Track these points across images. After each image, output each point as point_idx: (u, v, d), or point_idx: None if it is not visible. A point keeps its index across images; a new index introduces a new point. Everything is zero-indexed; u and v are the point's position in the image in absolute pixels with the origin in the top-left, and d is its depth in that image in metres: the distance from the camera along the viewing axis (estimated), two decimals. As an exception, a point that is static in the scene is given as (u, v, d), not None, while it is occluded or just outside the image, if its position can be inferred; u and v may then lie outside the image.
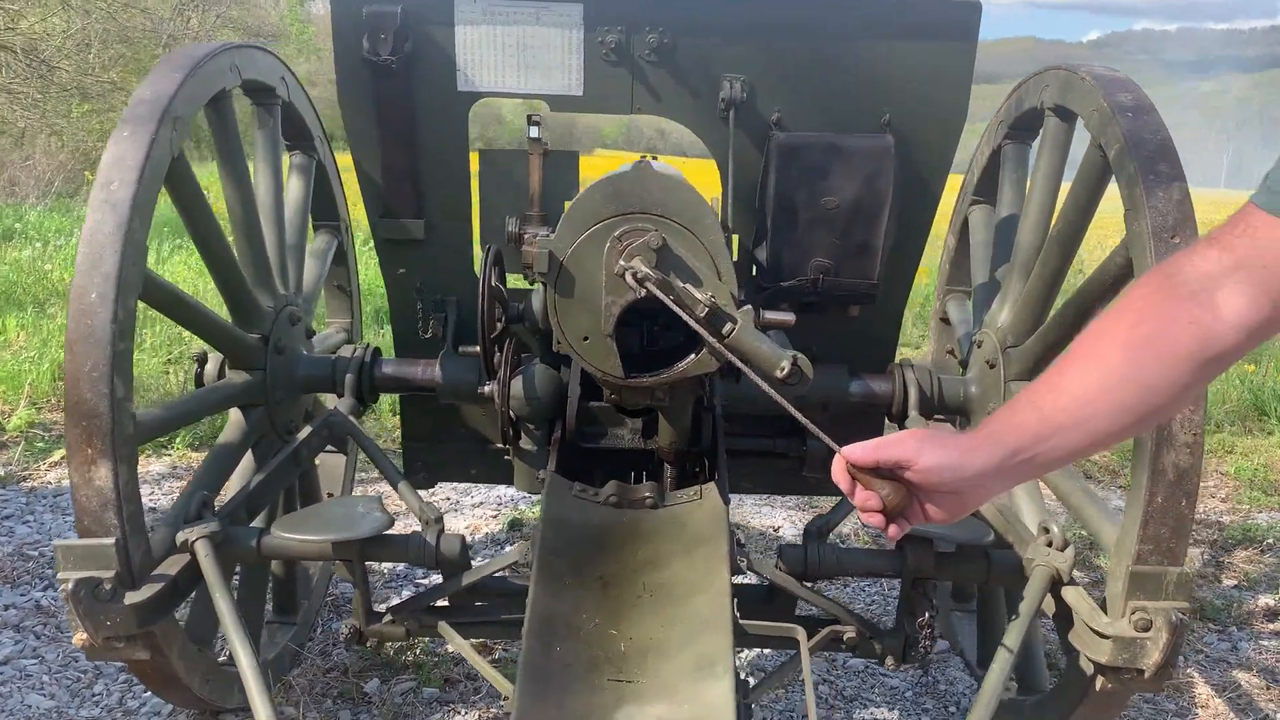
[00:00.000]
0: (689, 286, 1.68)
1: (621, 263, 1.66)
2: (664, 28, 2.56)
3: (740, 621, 1.91)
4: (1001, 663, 1.94)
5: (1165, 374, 1.22)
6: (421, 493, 3.62)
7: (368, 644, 2.28)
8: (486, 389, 2.42)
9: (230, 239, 2.57)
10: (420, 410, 2.98)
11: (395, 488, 2.39)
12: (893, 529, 1.32)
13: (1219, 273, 1.19)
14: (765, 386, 1.50)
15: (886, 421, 2.85)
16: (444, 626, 2.17)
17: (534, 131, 2.69)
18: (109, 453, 2.01)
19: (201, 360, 2.66)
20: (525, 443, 2.49)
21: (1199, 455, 2.05)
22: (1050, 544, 2.14)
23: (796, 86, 2.62)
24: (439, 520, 2.25)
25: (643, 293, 1.65)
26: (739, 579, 2.22)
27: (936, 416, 2.80)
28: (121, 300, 2.02)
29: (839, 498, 2.40)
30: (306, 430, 2.53)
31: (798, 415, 1.50)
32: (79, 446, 2.01)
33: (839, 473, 1.33)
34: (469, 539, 2.73)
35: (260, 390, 2.59)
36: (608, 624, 1.92)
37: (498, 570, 2.20)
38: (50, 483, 4.18)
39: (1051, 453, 1.27)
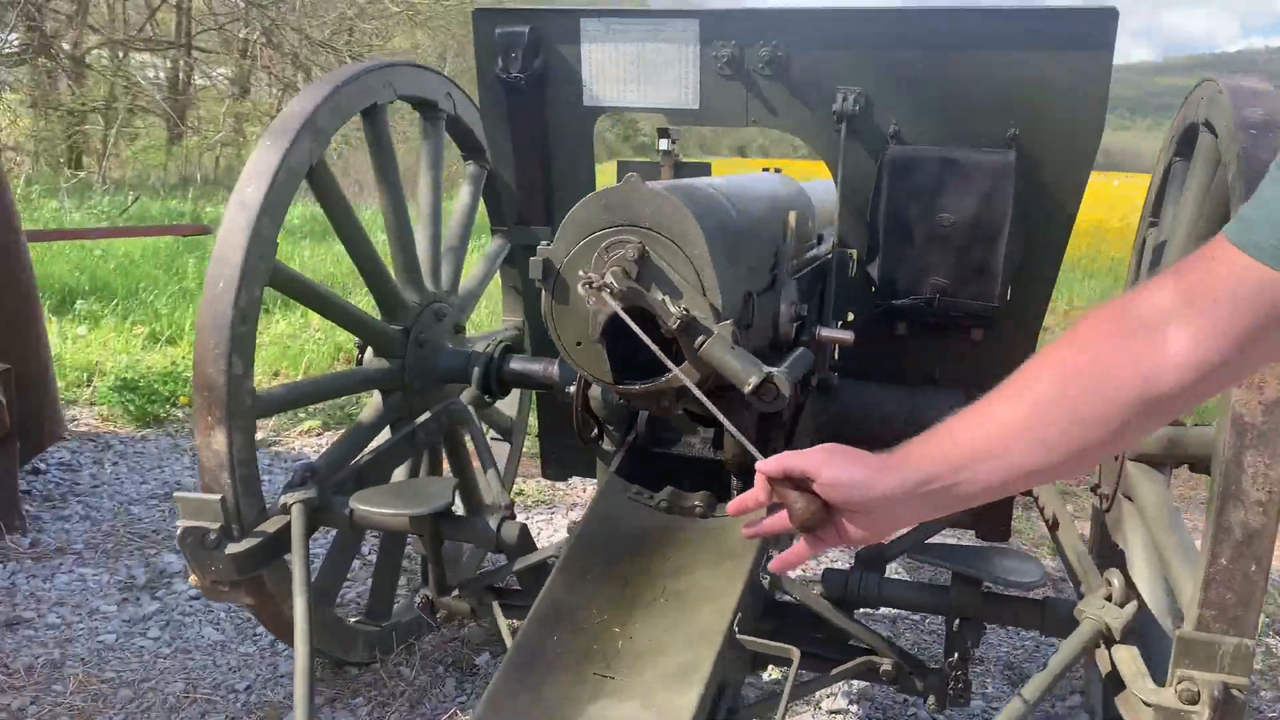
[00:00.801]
0: (666, 299, 1.72)
1: (592, 275, 1.72)
2: (777, 41, 2.56)
3: (738, 636, 1.91)
4: (1011, 713, 1.81)
5: (1101, 410, 1.14)
6: (559, 485, 3.81)
7: (438, 614, 2.47)
8: (571, 389, 2.54)
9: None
10: (552, 406, 3.15)
11: (484, 474, 2.57)
12: (804, 540, 1.32)
13: (1171, 306, 1.10)
14: (694, 389, 1.53)
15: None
16: (495, 606, 2.31)
17: (664, 144, 2.81)
18: (225, 421, 2.33)
19: (361, 347, 2.98)
20: (606, 444, 2.58)
21: (1274, 516, 1.81)
22: (1110, 597, 1.96)
23: (916, 99, 2.53)
24: (508, 508, 2.39)
25: (619, 303, 1.71)
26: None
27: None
28: (245, 289, 2.33)
29: (908, 529, 2.31)
30: (425, 415, 2.77)
31: (725, 423, 1.53)
32: (201, 414, 2.34)
33: (758, 482, 1.35)
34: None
35: (398, 377, 2.85)
36: (613, 621, 1.98)
37: (548, 558, 2.31)
38: (294, 448, 4.76)
39: (969, 484, 1.22)
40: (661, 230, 1.75)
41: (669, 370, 1.80)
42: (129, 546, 3.61)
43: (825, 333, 2.21)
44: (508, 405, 3.70)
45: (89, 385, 5.35)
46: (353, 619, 2.90)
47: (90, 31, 17.87)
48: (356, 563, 3.37)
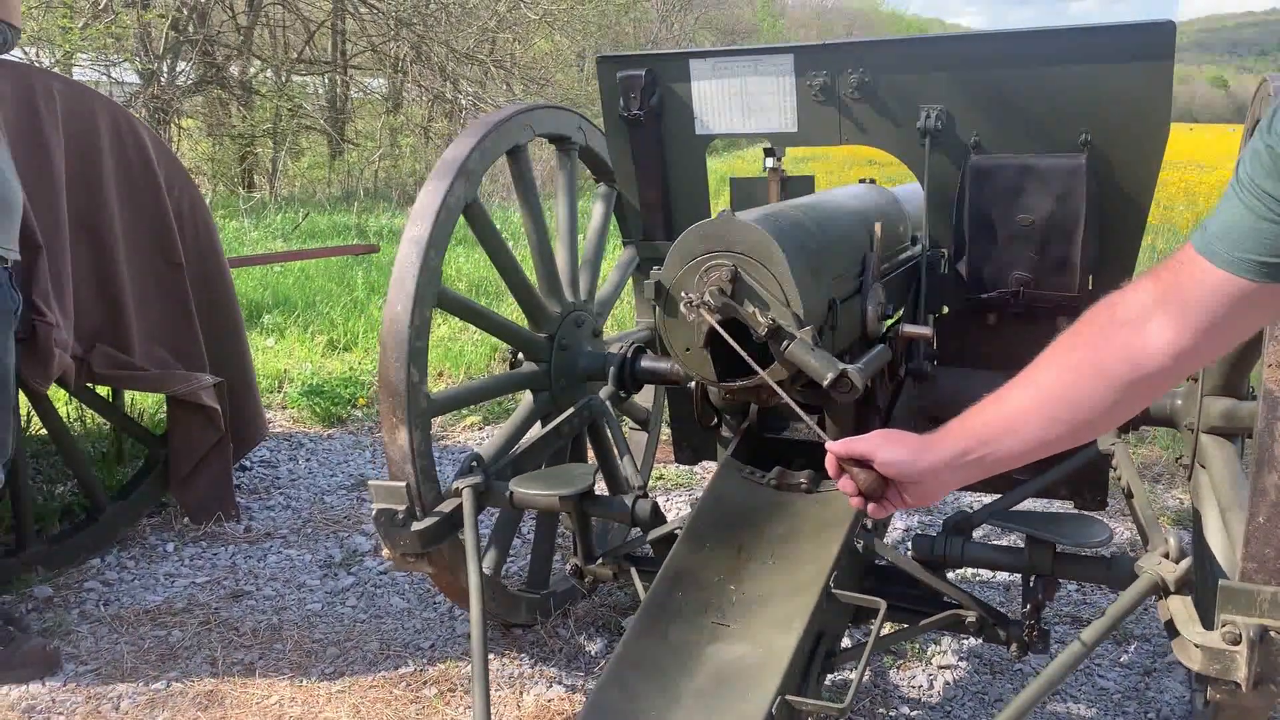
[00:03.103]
0: (755, 311, 2.08)
1: (691, 294, 2.10)
2: (865, 68, 2.87)
3: (834, 591, 2.24)
4: (1070, 654, 2.09)
5: (1095, 391, 1.45)
6: (695, 469, 4.18)
7: (585, 580, 2.88)
8: (692, 384, 2.92)
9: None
10: (680, 398, 3.53)
11: (620, 460, 2.97)
12: (872, 508, 1.67)
13: (1150, 304, 1.39)
14: (771, 382, 1.89)
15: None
16: (633, 571, 2.71)
17: (770, 162, 3.16)
18: (407, 421, 2.80)
19: (515, 353, 3.43)
20: (725, 431, 2.95)
21: (1304, 477, 2.04)
22: (1167, 554, 2.22)
23: (994, 113, 2.80)
24: (641, 489, 2.80)
25: (716, 316, 2.09)
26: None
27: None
28: (418, 310, 2.79)
29: (997, 496, 2.61)
30: (569, 411, 3.19)
31: (798, 410, 1.89)
32: (386, 416, 2.82)
33: (830, 461, 1.70)
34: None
35: (545, 378, 3.29)
36: (728, 580, 2.35)
37: (675, 529, 2.70)
38: (460, 441, 5.30)
39: (995, 455, 1.55)
40: (750, 254, 2.12)
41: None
42: (325, 530, 4.18)
43: (907, 329, 2.52)
44: (644, 399, 4.11)
45: (280, 391, 6.02)
46: (517, 589, 3.36)
47: (254, 59, 19.15)
48: (518, 540, 3.85)
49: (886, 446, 1.60)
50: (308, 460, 5.04)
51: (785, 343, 2.06)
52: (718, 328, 2.04)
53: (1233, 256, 1.27)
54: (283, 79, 19.84)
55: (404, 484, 2.77)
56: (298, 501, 4.50)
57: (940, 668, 3.09)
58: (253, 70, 19.33)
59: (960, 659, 3.14)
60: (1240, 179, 1.28)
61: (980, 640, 2.50)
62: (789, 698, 1.99)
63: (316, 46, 21.17)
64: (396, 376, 2.79)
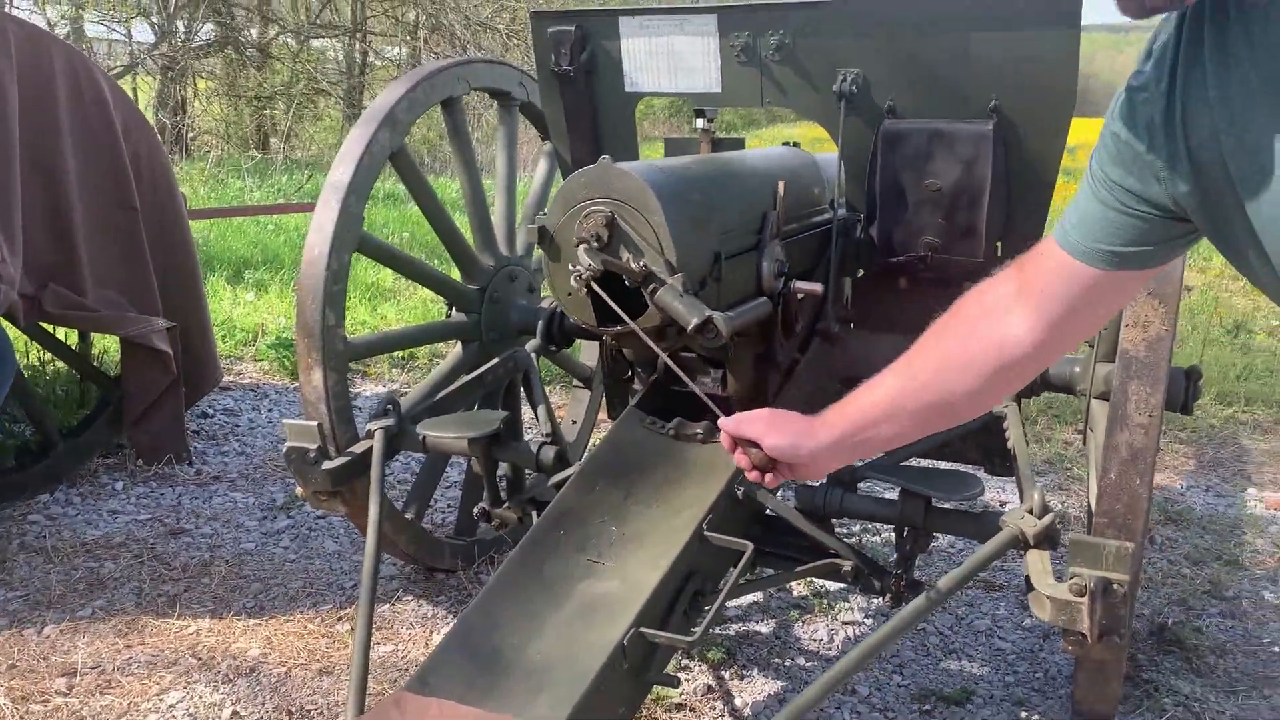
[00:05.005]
0: (629, 257, 2.13)
1: (580, 234, 2.15)
2: (784, 30, 2.90)
3: (706, 533, 2.30)
4: (924, 600, 2.15)
5: (963, 379, 1.50)
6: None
7: (493, 523, 2.95)
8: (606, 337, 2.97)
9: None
10: (613, 355, 3.58)
11: (535, 411, 3.04)
12: (768, 478, 1.73)
13: (1013, 294, 1.44)
14: (638, 329, 1.95)
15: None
16: (534, 515, 2.77)
17: (701, 123, 3.20)
18: (321, 362, 2.87)
19: (450, 306, 3.49)
20: (637, 384, 3.01)
21: (1154, 436, 2.10)
22: (1031, 510, 2.27)
23: (908, 78, 2.83)
24: (549, 436, 2.86)
25: (597, 261, 2.14)
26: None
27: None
28: (335, 255, 2.86)
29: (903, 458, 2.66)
30: (493, 361, 3.25)
31: (670, 363, 1.95)
32: (302, 356, 2.89)
33: (724, 438, 1.76)
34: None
35: (475, 329, 3.36)
36: (611, 522, 2.41)
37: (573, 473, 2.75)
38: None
39: (873, 439, 1.61)
40: (628, 201, 2.17)
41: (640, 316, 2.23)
42: (273, 476, 4.27)
43: (799, 284, 2.57)
44: (589, 358, 4.17)
45: (254, 344, 6.11)
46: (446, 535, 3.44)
47: (271, 23, 19.21)
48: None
49: (772, 433, 1.65)
50: (270, 410, 5.12)
51: (653, 286, 2.11)
52: (595, 287, 2.10)
53: (1087, 247, 1.32)
54: (300, 43, 19.89)
55: (316, 423, 2.84)
56: (252, 449, 4.59)
57: (844, 623, 3.15)
58: (272, 33, 19.40)
59: (867, 616, 3.20)
60: (1092, 169, 1.31)
61: (858, 589, 2.56)
62: (643, 630, 2.05)
63: (335, 10, 21.18)
64: (312, 319, 2.86)
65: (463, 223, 3.37)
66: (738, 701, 2.76)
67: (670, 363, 2.07)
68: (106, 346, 5.11)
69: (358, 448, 2.91)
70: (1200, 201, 1.20)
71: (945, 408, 1.52)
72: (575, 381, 4.17)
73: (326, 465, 2.83)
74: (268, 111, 19.02)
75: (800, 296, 2.58)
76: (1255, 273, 1.20)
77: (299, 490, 2.90)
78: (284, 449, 2.85)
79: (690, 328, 2.08)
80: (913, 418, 1.54)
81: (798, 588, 3.33)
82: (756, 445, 1.66)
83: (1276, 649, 3.05)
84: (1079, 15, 2.63)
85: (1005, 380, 1.49)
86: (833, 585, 3.30)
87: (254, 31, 19.13)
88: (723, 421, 1.71)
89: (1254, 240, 1.15)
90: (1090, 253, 1.32)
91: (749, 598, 3.24)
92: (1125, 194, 1.27)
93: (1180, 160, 1.18)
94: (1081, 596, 2.08)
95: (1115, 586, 2.05)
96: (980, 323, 1.46)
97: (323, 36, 20.63)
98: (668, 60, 3.09)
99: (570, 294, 2.28)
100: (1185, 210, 1.23)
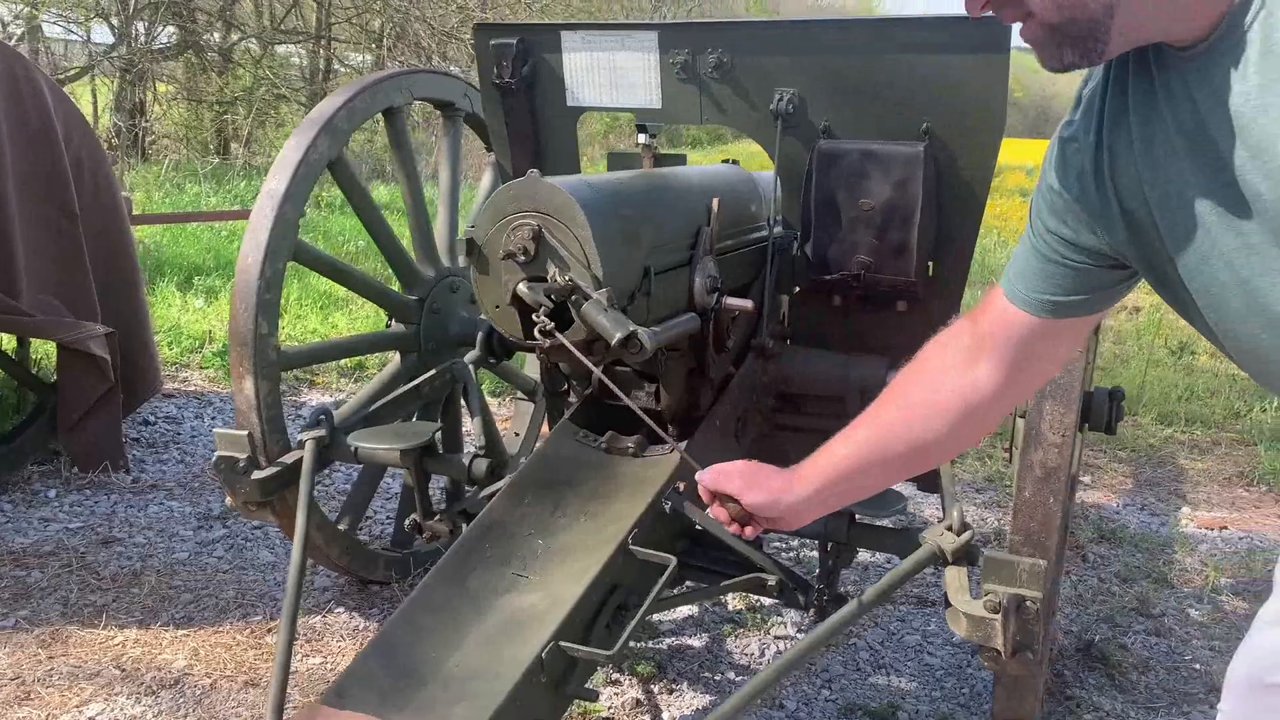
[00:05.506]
0: (555, 271, 2.14)
1: (506, 247, 2.16)
2: (723, 49, 2.93)
3: (631, 547, 2.31)
4: (846, 612, 2.15)
5: (931, 428, 1.55)
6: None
7: (425, 536, 2.94)
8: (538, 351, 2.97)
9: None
10: (550, 368, 3.58)
11: (472, 420, 3.03)
12: (747, 530, 1.76)
13: (972, 343, 1.50)
14: (566, 342, 1.96)
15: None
16: (464, 528, 2.77)
17: (643, 138, 3.22)
18: (253, 371, 2.85)
19: (390, 317, 3.48)
20: (572, 397, 3.01)
21: (1067, 455, 2.13)
22: (950, 527, 2.29)
23: (843, 99, 2.86)
24: (482, 448, 2.86)
25: (523, 274, 2.15)
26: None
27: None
28: (269, 263, 2.84)
29: None
30: (430, 372, 3.25)
31: (606, 380, 1.98)
32: (235, 365, 2.87)
33: (702, 491, 1.78)
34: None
35: (414, 340, 3.35)
36: (538, 535, 2.42)
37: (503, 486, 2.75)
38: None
39: (849, 490, 1.68)
40: (555, 214, 2.18)
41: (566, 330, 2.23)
42: (212, 485, 4.22)
43: (730, 301, 2.59)
44: (532, 369, 4.16)
45: (200, 351, 6.05)
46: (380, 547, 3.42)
47: (234, 29, 19.07)
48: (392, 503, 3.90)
49: (751, 490, 1.69)
50: (213, 419, 5.07)
51: (577, 299, 2.12)
52: (521, 291, 2.11)
53: (1029, 297, 1.37)
54: (263, 48, 19.73)
55: (246, 433, 2.82)
56: (192, 457, 4.54)
57: (776, 638, 3.17)
58: (234, 38, 19.24)
59: (800, 631, 3.22)
60: (1031, 219, 1.35)
61: (782, 603, 2.57)
62: (562, 643, 2.05)
63: (300, 16, 21.05)
64: (245, 327, 2.84)
65: (404, 233, 3.36)
66: (665, 715, 2.77)
67: (603, 377, 2.08)
68: (47, 352, 5.03)
69: (288, 458, 2.89)
70: (1137, 251, 1.24)
71: (916, 455, 1.58)
72: (519, 394, 4.16)
73: (256, 475, 2.81)
74: (228, 116, 18.86)
75: (734, 315, 2.60)
76: (1194, 318, 1.24)
77: (228, 500, 2.88)
78: (213, 458, 2.82)
79: (614, 342, 2.08)
80: (884, 468, 1.61)
81: (733, 602, 3.35)
82: (735, 500, 1.69)
83: (1198, 666, 3.11)
84: (1009, 41, 2.67)
85: (972, 427, 1.55)
86: (767, 600, 3.31)
87: (216, 36, 18.97)
88: (699, 475, 1.75)
89: (1186, 288, 1.19)
90: (1032, 303, 1.37)
91: (683, 612, 3.25)
92: (1061, 243, 1.30)
93: (1111, 209, 1.22)
94: (996, 613, 2.10)
95: (1028, 603, 2.08)
96: (945, 374, 1.51)
97: (286, 43, 20.51)
98: (609, 75, 3.11)
99: (498, 306, 2.29)
100: (1123, 257, 1.26)
